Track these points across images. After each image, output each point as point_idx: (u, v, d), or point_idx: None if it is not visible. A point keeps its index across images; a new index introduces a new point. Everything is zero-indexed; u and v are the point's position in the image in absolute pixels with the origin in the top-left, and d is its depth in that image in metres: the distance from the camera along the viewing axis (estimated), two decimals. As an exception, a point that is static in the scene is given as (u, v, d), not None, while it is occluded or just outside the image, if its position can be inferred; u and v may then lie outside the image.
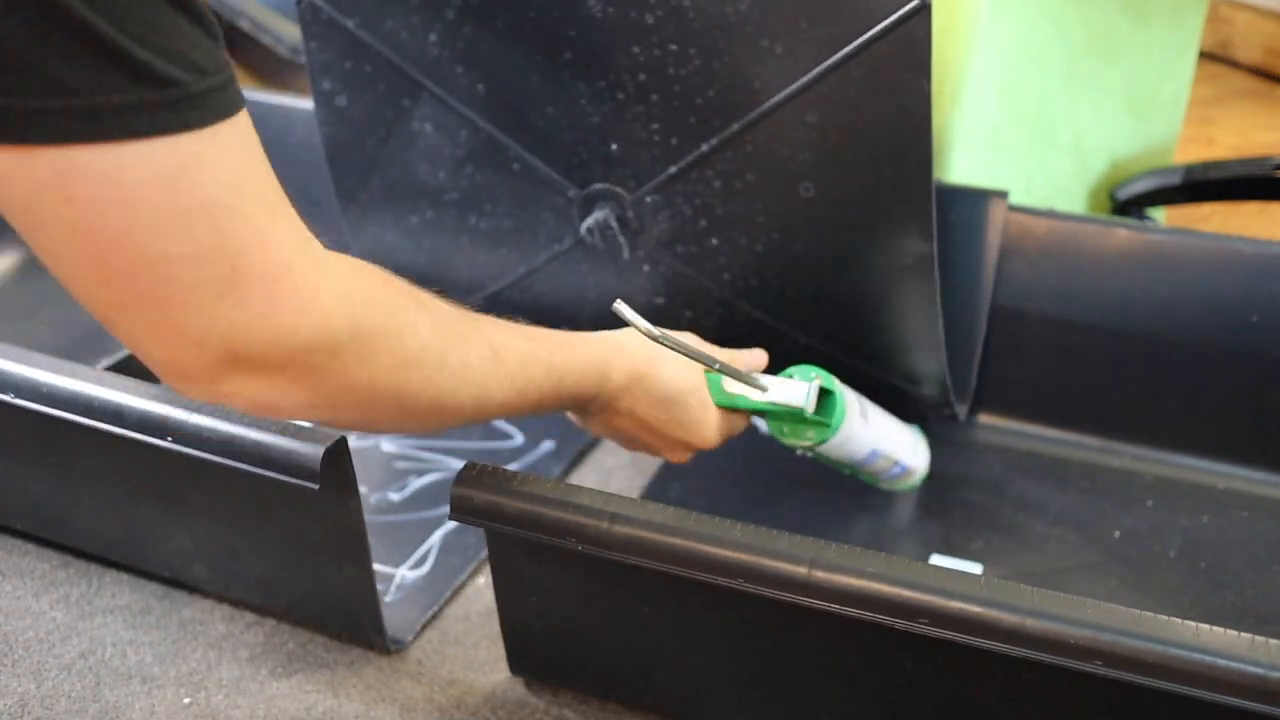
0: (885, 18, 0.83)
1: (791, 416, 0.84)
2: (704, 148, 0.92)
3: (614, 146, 0.96)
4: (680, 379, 0.83)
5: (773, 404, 0.83)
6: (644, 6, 0.88)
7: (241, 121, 0.56)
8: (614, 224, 0.99)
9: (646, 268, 0.99)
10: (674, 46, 0.89)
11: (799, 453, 0.87)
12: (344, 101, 1.04)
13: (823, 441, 0.84)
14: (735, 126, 0.90)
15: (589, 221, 1.00)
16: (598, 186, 0.99)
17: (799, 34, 0.86)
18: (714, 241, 0.96)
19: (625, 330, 0.80)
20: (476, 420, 0.71)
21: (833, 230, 0.93)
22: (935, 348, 0.96)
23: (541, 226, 1.03)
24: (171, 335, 0.56)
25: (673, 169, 0.93)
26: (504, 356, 0.71)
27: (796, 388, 0.83)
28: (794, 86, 0.87)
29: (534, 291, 1.08)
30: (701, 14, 0.86)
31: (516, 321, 0.75)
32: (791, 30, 0.86)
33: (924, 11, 0.82)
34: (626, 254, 1.01)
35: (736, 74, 0.88)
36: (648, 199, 0.97)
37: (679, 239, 0.97)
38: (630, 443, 0.87)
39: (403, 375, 0.64)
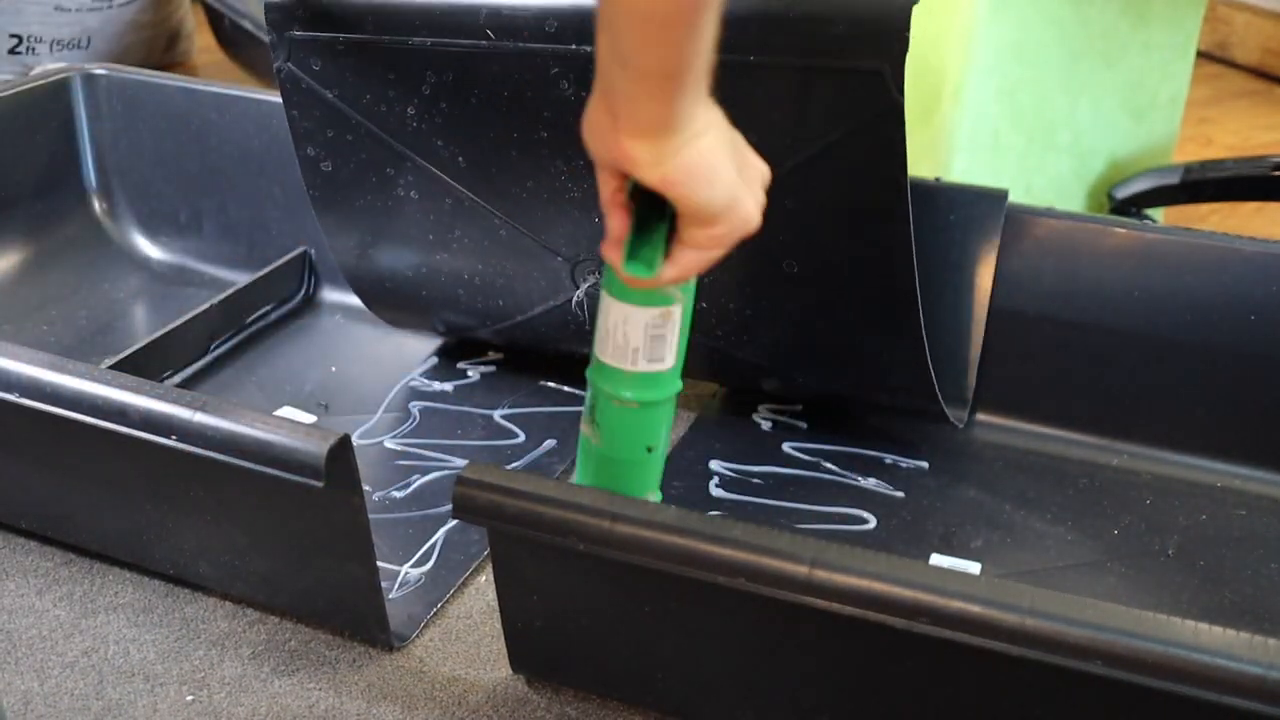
0: (856, 119, 0.83)
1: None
2: None
3: (597, 220, 0.98)
4: None
5: None
6: None
7: None
8: None
9: None
10: None
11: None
12: (329, 167, 1.05)
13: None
14: None
15: (578, 294, 1.02)
16: (585, 255, 1.01)
17: (772, 127, 0.87)
18: (703, 304, 0.98)
19: None
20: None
21: (818, 298, 0.96)
22: (924, 376, 0.98)
23: (534, 284, 1.05)
24: None
25: None
26: None
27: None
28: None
29: (532, 328, 1.10)
30: None
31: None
32: (764, 124, 0.87)
33: (895, 113, 0.83)
34: None
35: None
36: None
37: None
38: (712, 172, 0.64)
39: None
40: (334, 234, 1.10)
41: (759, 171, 0.70)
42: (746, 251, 0.94)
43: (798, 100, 0.87)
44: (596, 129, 0.68)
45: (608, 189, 0.69)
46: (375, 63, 0.97)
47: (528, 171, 0.98)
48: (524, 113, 0.95)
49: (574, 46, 0.90)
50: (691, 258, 0.68)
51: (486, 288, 1.07)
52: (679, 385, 0.79)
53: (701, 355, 1.05)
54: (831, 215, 0.91)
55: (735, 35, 0.85)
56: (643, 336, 0.75)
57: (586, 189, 0.96)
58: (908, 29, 0.81)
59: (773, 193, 0.90)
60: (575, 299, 1.03)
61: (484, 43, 0.92)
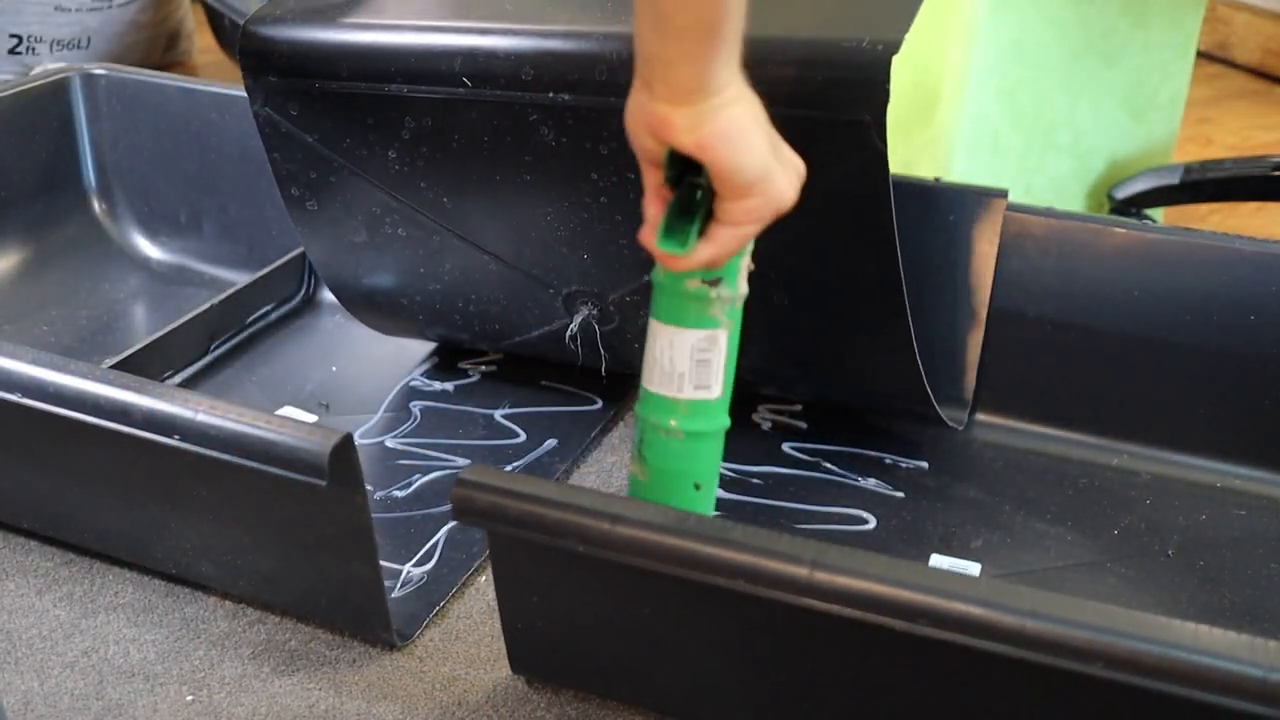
0: (840, 168, 0.84)
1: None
2: None
3: (585, 256, 0.98)
4: None
5: None
6: (597, 138, 0.89)
7: None
8: (595, 324, 1.02)
9: (637, 346, 1.01)
10: (632, 175, 0.89)
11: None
12: (314, 206, 1.05)
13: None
14: None
15: (573, 327, 1.03)
16: (576, 288, 1.01)
17: None
18: None
19: None
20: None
21: (810, 325, 0.97)
22: (919, 388, 0.98)
23: (528, 312, 1.06)
24: None
25: (645, 278, 0.95)
26: None
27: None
28: None
29: (530, 345, 1.11)
30: None
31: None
32: None
33: (879, 161, 0.83)
34: (604, 365, 1.05)
35: None
36: (627, 298, 0.99)
37: None
38: (745, 138, 0.67)
39: None
40: (323, 265, 1.10)
41: (792, 156, 0.72)
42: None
43: None
44: (635, 112, 0.71)
45: (651, 183, 0.72)
46: (353, 108, 0.97)
47: (513, 213, 0.98)
48: (505, 158, 0.94)
49: (551, 95, 0.89)
50: (727, 235, 0.69)
51: (481, 314, 1.08)
52: (727, 420, 0.79)
53: None
54: (819, 255, 0.92)
55: None
56: (689, 361, 0.76)
57: (574, 227, 0.96)
58: (888, 80, 0.80)
59: (759, 233, 0.91)
60: (570, 332, 1.03)
61: (460, 90, 0.92)
